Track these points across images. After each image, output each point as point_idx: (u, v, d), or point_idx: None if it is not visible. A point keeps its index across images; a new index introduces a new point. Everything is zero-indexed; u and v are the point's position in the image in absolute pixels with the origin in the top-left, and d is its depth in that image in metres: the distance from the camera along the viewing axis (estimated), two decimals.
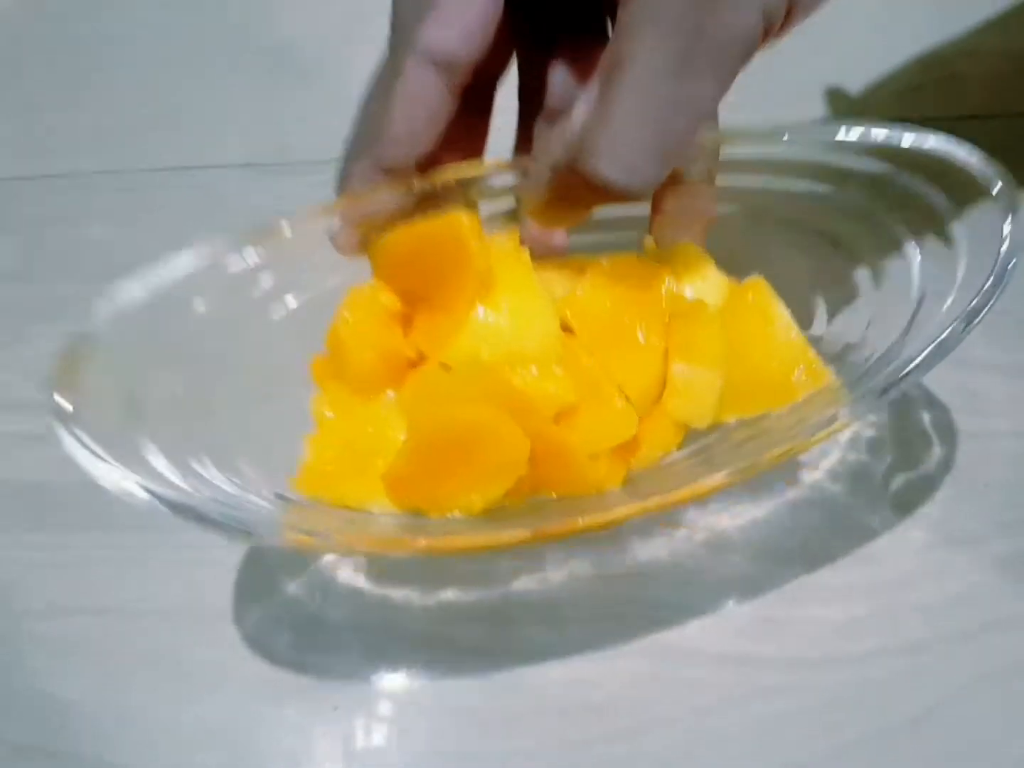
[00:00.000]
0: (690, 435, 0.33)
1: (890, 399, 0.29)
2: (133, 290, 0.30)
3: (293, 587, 0.35)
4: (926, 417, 0.39)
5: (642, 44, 0.26)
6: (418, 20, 0.29)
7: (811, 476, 0.37)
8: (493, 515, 0.31)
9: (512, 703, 0.32)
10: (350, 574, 0.35)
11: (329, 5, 0.54)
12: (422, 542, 0.29)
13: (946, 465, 0.37)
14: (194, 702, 0.32)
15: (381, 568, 0.35)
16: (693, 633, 0.33)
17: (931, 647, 0.32)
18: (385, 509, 0.31)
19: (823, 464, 0.37)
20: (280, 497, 0.30)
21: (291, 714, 0.32)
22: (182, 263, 0.30)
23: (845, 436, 0.38)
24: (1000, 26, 0.54)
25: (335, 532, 0.29)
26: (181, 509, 0.27)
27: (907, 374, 0.29)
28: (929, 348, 0.29)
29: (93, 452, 0.26)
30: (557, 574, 0.35)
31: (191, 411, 0.31)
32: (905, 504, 0.36)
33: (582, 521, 0.29)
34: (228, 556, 0.36)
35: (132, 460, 0.28)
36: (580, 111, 0.28)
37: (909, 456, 0.37)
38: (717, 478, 0.30)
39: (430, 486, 0.30)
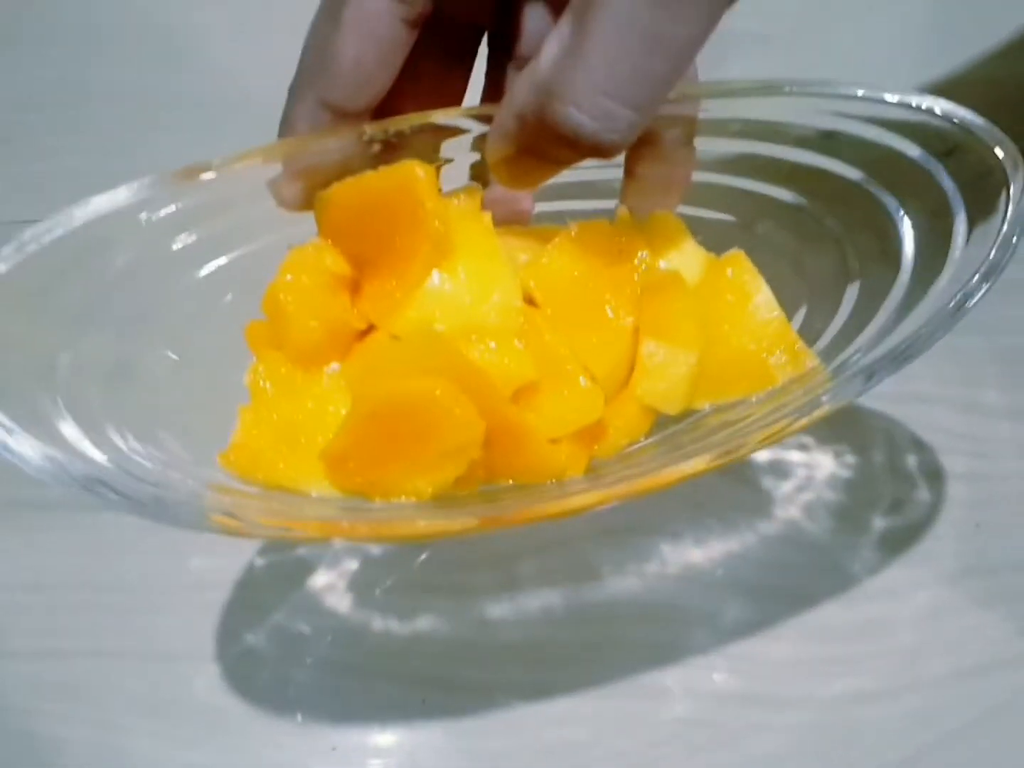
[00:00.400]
0: (660, 421, 0.31)
1: (877, 383, 0.27)
2: (40, 234, 0.26)
3: (280, 624, 0.35)
4: (910, 458, 0.38)
5: None
6: None
7: (786, 512, 0.37)
8: (443, 502, 0.28)
9: (502, 743, 0.32)
10: (336, 608, 0.35)
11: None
12: (361, 528, 0.26)
13: (930, 505, 0.37)
14: (190, 744, 0.32)
15: (366, 600, 0.35)
16: (674, 671, 0.33)
17: (920, 688, 0.32)
18: (325, 492, 0.28)
19: (800, 498, 0.37)
20: (206, 475, 0.27)
21: (289, 756, 0.32)
22: (97, 206, 0.27)
23: (822, 474, 0.38)
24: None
25: (263, 515, 0.26)
26: (89, 483, 0.24)
27: (896, 357, 0.27)
28: (919, 330, 0.27)
29: None
30: (533, 606, 0.35)
31: (108, 376, 0.27)
32: (886, 542, 0.36)
33: (538, 509, 0.27)
34: (215, 596, 0.35)
35: (37, 427, 0.25)
36: (550, 49, 0.25)
37: (889, 494, 0.37)
38: (687, 467, 0.27)
39: (374, 468, 0.27)
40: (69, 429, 0.26)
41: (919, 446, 0.38)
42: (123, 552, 0.36)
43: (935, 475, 0.37)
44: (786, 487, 0.37)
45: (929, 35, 0.57)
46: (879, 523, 0.36)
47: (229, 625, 0.34)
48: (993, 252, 0.26)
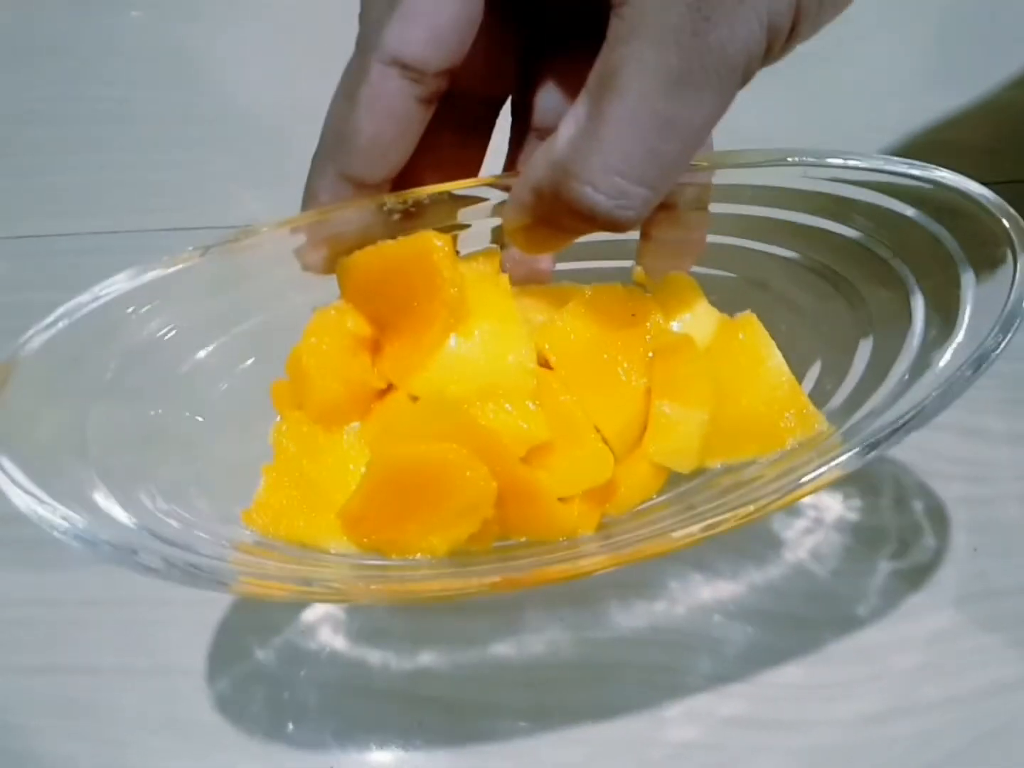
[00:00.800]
0: (672, 479, 0.31)
1: (887, 450, 0.27)
2: (71, 311, 0.28)
3: (282, 644, 0.35)
4: (902, 477, 0.38)
5: (635, 57, 0.24)
6: (385, 16, 0.27)
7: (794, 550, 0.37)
8: (458, 558, 0.29)
9: (499, 765, 0.32)
10: (336, 629, 0.35)
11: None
12: (377, 588, 0.27)
13: (931, 530, 0.37)
14: (189, 760, 0.32)
15: (361, 628, 0.35)
16: (675, 696, 0.34)
17: (928, 710, 0.33)
18: (343, 548, 0.29)
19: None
20: (230, 534, 0.28)
21: None
22: (127, 277, 0.28)
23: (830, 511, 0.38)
24: None
25: (283, 574, 0.27)
26: (119, 552, 0.25)
27: (906, 423, 0.27)
28: (931, 396, 0.28)
29: (18, 483, 0.24)
30: (537, 639, 0.35)
31: (139, 440, 0.29)
32: (893, 568, 0.36)
33: (551, 571, 0.28)
34: (215, 614, 0.35)
35: (68, 495, 0.26)
36: (566, 130, 0.26)
37: (895, 518, 0.37)
38: (697, 530, 0.28)
39: (389, 527, 0.28)
40: (101, 496, 0.27)
41: (919, 471, 0.38)
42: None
43: (934, 499, 0.38)
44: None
45: (928, 62, 0.57)
46: (883, 554, 0.36)
47: (231, 642, 0.35)
48: (997, 328, 0.27)
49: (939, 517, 0.37)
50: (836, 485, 0.38)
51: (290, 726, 0.33)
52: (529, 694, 0.34)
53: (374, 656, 0.35)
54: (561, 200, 0.26)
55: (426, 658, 0.35)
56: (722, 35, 0.24)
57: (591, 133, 0.25)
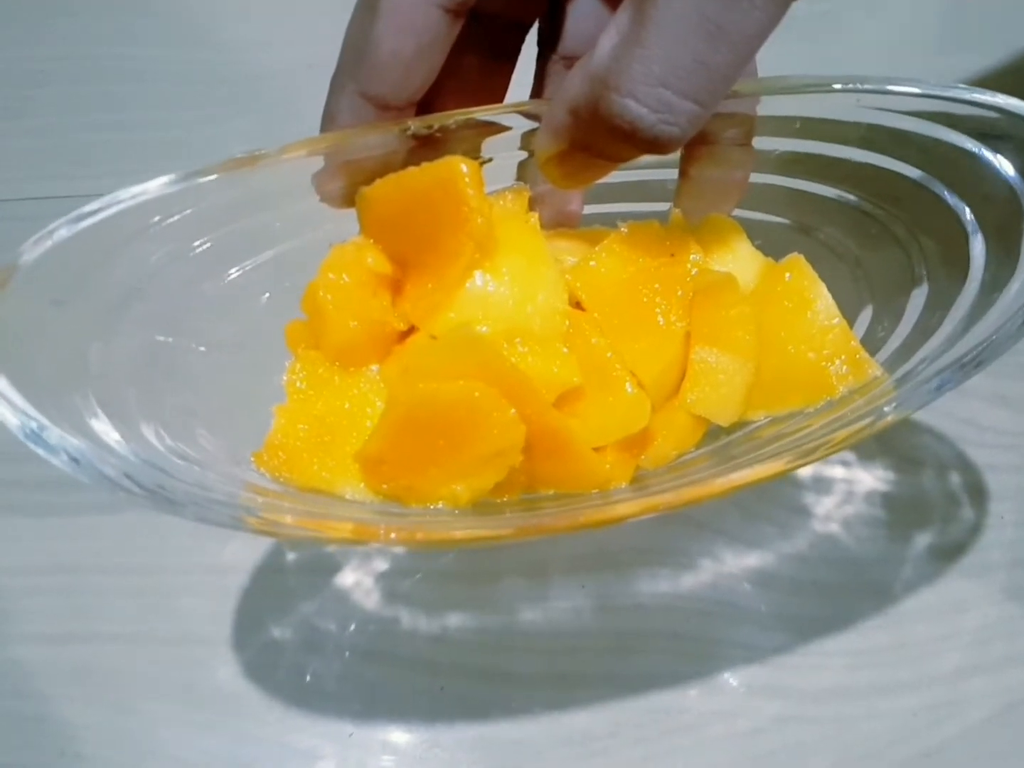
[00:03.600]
0: (711, 432, 0.29)
1: (945, 393, 0.25)
2: (70, 221, 0.25)
3: (304, 611, 0.34)
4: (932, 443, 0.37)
5: None
6: None
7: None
8: (480, 509, 0.27)
9: (519, 732, 0.31)
10: (361, 596, 0.34)
11: None
12: (395, 533, 0.25)
13: (959, 497, 0.36)
14: (207, 729, 0.32)
15: (391, 590, 0.34)
16: (701, 668, 0.33)
17: (949, 680, 0.32)
18: (359, 495, 0.27)
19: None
20: (241, 475, 0.27)
21: (306, 741, 0.31)
22: (131, 195, 0.26)
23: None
24: None
25: (296, 517, 0.25)
26: (121, 480, 0.24)
27: (965, 365, 0.25)
28: (992, 337, 0.26)
29: (13, 404, 0.23)
30: (561, 607, 0.34)
31: (142, 371, 0.27)
32: (919, 536, 0.35)
33: (580, 516, 0.26)
34: (237, 580, 0.35)
35: (68, 420, 0.24)
36: (607, 40, 0.24)
37: (923, 485, 0.36)
38: (737, 477, 0.26)
39: (409, 471, 0.26)
40: (101, 425, 0.25)
41: (950, 436, 0.37)
42: (143, 534, 0.35)
43: (962, 466, 0.36)
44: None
45: (947, 23, 0.55)
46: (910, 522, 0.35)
47: (251, 610, 0.34)
48: None
49: (967, 485, 0.36)
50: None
51: (310, 694, 0.32)
52: (552, 661, 0.33)
53: (396, 622, 0.34)
54: (599, 117, 0.24)
55: (449, 624, 0.33)
56: None
57: (634, 40, 0.23)
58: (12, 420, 0.23)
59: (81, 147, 0.50)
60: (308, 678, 0.32)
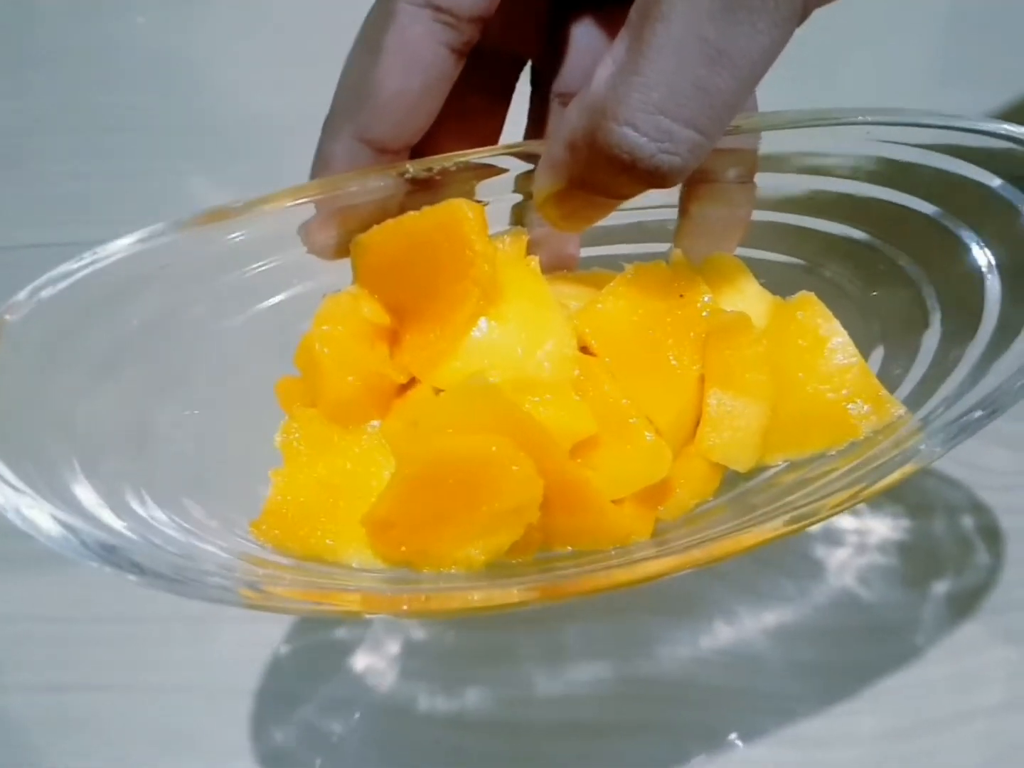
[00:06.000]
0: (729, 478, 0.28)
1: (974, 433, 0.25)
2: (56, 279, 0.24)
3: (301, 657, 0.33)
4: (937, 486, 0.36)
5: None
6: None
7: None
8: (496, 571, 0.25)
9: None
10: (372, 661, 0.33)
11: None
12: (406, 603, 0.24)
13: (972, 541, 0.35)
14: None
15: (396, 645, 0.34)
16: (729, 717, 0.32)
17: (972, 724, 0.31)
18: (367, 562, 0.25)
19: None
20: (236, 546, 0.25)
21: None
22: (116, 251, 0.24)
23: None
24: None
25: (300, 589, 0.23)
26: (110, 554, 0.22)
27: (995, 400, 0.24)
28: (1016, 375, 0.25)
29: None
30: (578, 662, 0.33)
31: (129, 435, 0.25)
32: (930, 581, 0.34)
33: (606, 577, 0.24)
34: (237, 630, 0.34)
35: (51, 490, 0.22)
36: (604, 69, 0.23)
37: (932, 532, 0.35)
38: (764, 531, 0.25)
39: (421, 534, 0.25)
40: (86, 493, 0.23)
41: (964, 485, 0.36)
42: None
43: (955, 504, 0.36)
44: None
45: (936, 61, 0.55)
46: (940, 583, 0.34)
47: (242, 657, 0.33)
48: None
49: (979, 528, 0.35)
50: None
51: (314, 746, 0.31)
52: (572, 715, 0.32)
53: (410, 677, 0.33)
54: (598, 149, 0.23)
55: (467, 683, 0.32)
56: None
57: (631, 67, 0.22)
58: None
59: (71, 195, 0.50)
60: (306, 730, 0.32)
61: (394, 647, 0.33)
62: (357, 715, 0.32)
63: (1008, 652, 0.32)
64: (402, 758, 0.31)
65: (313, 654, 0.33)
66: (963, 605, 0.33)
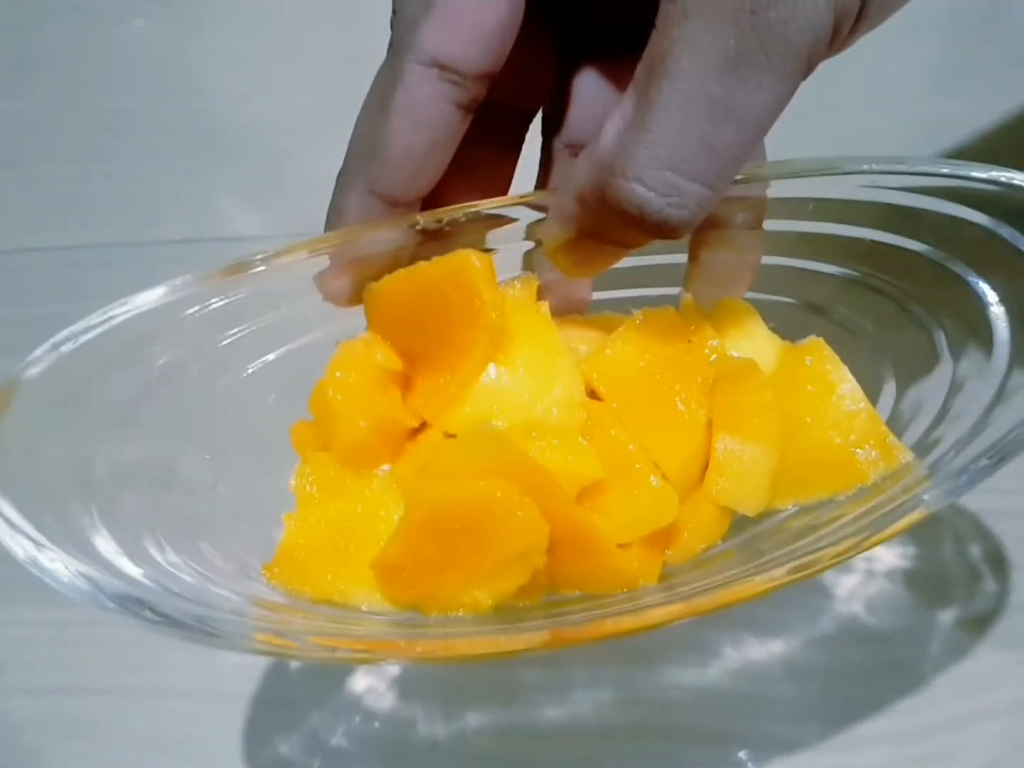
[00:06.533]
0: (737, 522, 0.28)
1: (983, 479, 0.25)
2: (77, 333, 0.25)
3: (303, 668, 0.33)
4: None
5: (686, 37, 0.21)
6: (423, 16, 0.25)
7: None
8: (503, 615, 0.26)
9: None
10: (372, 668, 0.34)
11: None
12: (417, 648, 0.24)
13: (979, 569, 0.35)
14: None
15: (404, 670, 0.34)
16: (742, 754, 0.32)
17: (986, 754, 0.31)
18: (376, 605, 0.26)
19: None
20: (249, 590, 0.25)
21: None
22: (137, 303, 0.25)
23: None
24: None
25: (310, 633, 0.24)
26: (126, 604, 0.22)
27: (1003, 447, 0.24)
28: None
29: (14, 525, 0.21)
30: (584, 699, 0.33)
31: (148, 481, 0.26)
32: (944, 610, 0.34)
33: (613, 624, 0.24)
34: None
35: (69, 540, 0.23)
36: (612, 126, 0.23)
37: (941, 558, 0.35)
38: (772, 577, 0.25)
39: (429, 578, 0.25)
40: (103, 542, 0.24)
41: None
42: None
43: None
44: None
45: (934, 70, 0.55)
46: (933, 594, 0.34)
47: (244, 663, 0.33)
48: None
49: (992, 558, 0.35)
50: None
51: (313, 752, 0.32)
52: (578, 754, 0.32)
53: (411, 684, 0.33)
54: (607, 203, 0.24)
55: (469, 713, 0.32)
56: (783, 12, 0.21)
57: (638, 124, 0.23)
58: (14, 547, 0.22)
59: (69, 197, 0.51)
60: (303, 739, 0.32)
61: None
62: (357, 720, 0.32)
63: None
64: (401, 764, 0.32)
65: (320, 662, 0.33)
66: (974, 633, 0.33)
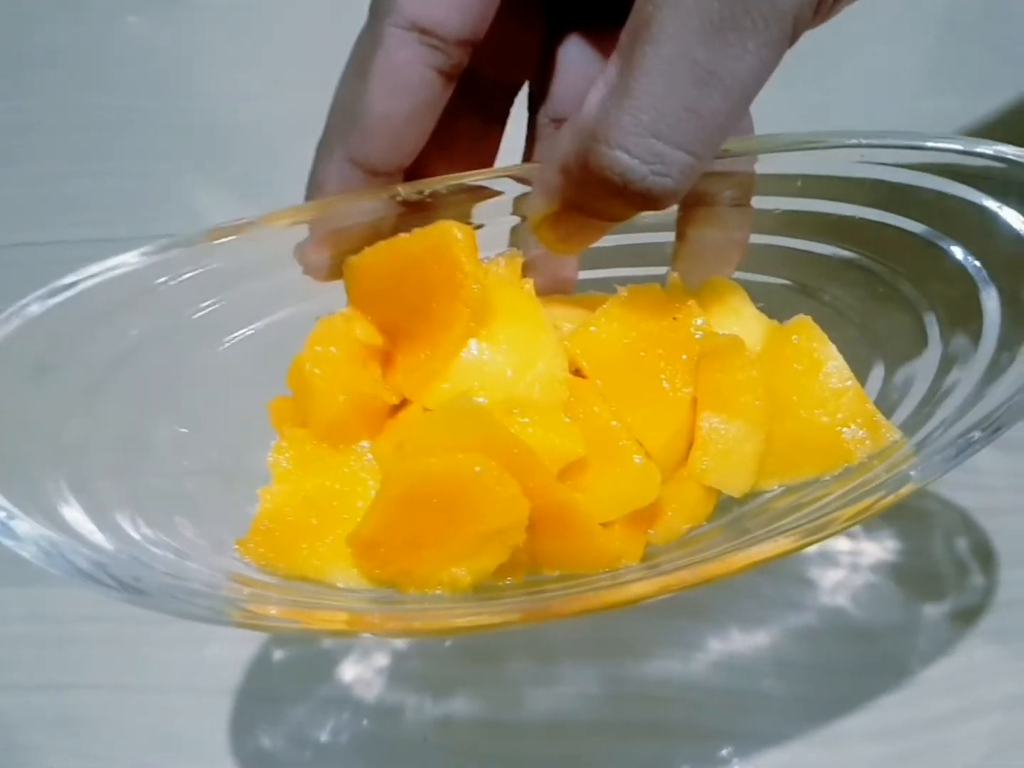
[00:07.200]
0: (723, 503, 0.28)
1: (970, 456, 0.24)
2: (45, 296, 0.24)
3: (291, 661, 0.33)
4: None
5: (672, 1, 0.21)
6: None
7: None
8: (482, 593, 0.25)
9: None
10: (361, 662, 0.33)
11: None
12: (392, 623, 0.24)
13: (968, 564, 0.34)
14: None
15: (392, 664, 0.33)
16: (726, 750, 0.31)
17: (974, 749, 0.31)
18: (352, 582, 0.25)
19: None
20: (223, 564, 0.25)
21: None
22: (109, 269, 0.25)
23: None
24: None
25: (285, 608, 0.23)
26: (94, 573, 0.22)
27: (991, 424, 0.24)
28: (1014, 397, 0.24)
29: None
30: (570, 692, 0.32)
31: (118, 455, 0.25)
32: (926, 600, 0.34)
33: (589, 599, 0.24)
34: (228, 631, 0.32)
35: (38, 510, 0.23)
36: (595, 93, 0.23)
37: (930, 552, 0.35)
38: (754, 552, 0.24)
39: (406, 554, 0.25)
40: (73, 512, 0.23)
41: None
42: None
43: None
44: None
45: (925, 68, 0.55)
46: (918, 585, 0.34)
47: (234, 659, 0.33)
48: None
49: (980, 551, 0.34)
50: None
51: (301, 745, 0.32)
52: (562, 749, 0.31)
53: (399, 678, 0.33)
54: (590, 172, 0.23)
55: (456, 709, 0.32)
56: None
57: (621, 91, 0.22)
58: None
59: (62, 194, 0.51)
60: (293, 731, 0.32)
61: (383, 649, 0.33)
62: (345, 716, 0.32)
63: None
64: (389, 759, 0.31)
65: (302, 655, 0.33)
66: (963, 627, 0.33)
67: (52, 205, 0.50)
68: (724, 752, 0.31)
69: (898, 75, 0.54)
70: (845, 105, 0.51)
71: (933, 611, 0.33)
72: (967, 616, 0.33)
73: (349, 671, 0.33)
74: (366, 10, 0.26)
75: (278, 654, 0.33)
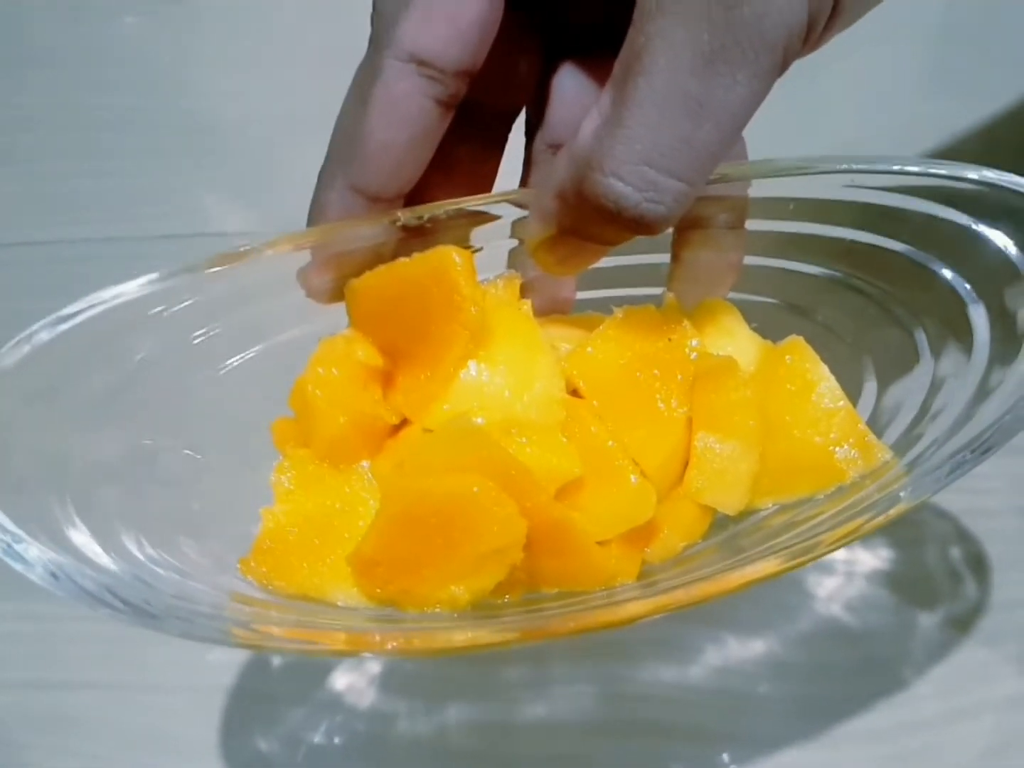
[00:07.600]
0: (718, 521, 0.28)
1: (961, 476, 0.25)
2: (53, 323, 0.25)
3: (287, 664, 0.33)
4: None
5: (661, 34, 0.22)
6: (402, 11, 0.25)
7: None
8: (481, 612, 0.25)
9: None
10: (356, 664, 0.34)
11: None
12: (392, 642, 0.24)
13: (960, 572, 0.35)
14: None
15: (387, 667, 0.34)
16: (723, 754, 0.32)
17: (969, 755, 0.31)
18: (352, 601, 0.26)
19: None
20: (227, 584, 0.25)
21: None
22: (116, 295, 0.25)
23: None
24: None
25: (286, 628, 0.24)
26: (100, 595, 0.22)
27: (982, 444, 0.24)
28: (1003, 418, 0.25)
29: None
30: (565, 695, 0.33)
31: (123, 477, 0.26)
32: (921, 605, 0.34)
33: (587, 618, 0.24)
34: None
35: (44, 531, 0.23)
36: (590, 122, 0.23)
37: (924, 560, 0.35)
38: (749, 572, 0.25)
39: (406, 573, 0.25)
40: (79, 535, 0.24)
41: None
42: None
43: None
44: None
45: (922, 72, 0.56)
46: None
47: (228, 659, 0.33)
48: None
49: (973, 554, 0.35)
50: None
51: (295, 747, 0.32)
52: (557, 751, 0.32)
53: (394, 681, 0.33)
54: (585, 199, 0.24)
55: (451, 710, 0.32)
56: (758, 7, 0.21)
57: (615, 120, 0.23)
58: None
59: (60, 194, 0.51)
60: (287, 733, 0.32)
61: None
62: (341, 718, 0.32)
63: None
64: (387, 761, 0.32)
65: (297, 656, 0.34)
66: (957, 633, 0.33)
67: (52, 205, 0.50)
68: (722, 755, 0.32)
69: (895, 80, 0.54)
70: (842, 110, 0.52)
71: (927, 614, 0.34)
72: (960, 619, 0.34)
73: (346, 673, 0.33)
74: (365, 10, 0.27)
75: (274, 655, 0.34)
